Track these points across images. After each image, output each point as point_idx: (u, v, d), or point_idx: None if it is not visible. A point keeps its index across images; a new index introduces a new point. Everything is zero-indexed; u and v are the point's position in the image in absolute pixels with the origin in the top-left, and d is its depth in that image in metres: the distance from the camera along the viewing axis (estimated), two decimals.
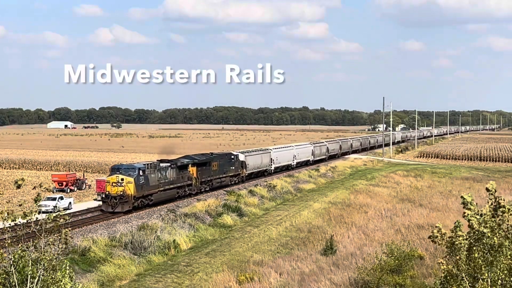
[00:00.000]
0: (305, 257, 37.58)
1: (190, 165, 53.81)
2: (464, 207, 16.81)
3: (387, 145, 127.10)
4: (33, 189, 66.42)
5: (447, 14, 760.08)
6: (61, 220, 17.89)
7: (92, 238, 36.99)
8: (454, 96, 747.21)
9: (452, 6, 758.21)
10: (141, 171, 46.11)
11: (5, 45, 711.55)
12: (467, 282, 16.33)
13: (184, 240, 41.17)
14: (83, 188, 65.74)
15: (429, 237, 17.58)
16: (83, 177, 69.75)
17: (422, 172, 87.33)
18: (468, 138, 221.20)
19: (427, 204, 59.36)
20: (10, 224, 17.63)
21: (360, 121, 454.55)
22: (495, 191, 16.76)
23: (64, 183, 63.36)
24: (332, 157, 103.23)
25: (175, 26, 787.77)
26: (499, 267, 16.19)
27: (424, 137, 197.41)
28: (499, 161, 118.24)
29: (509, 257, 16.20)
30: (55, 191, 63.20)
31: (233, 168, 62.80)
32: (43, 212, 47.58)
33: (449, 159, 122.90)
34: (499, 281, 16.26)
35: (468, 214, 16.48)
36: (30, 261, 16.25)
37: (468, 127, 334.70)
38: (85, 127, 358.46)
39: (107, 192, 45.42)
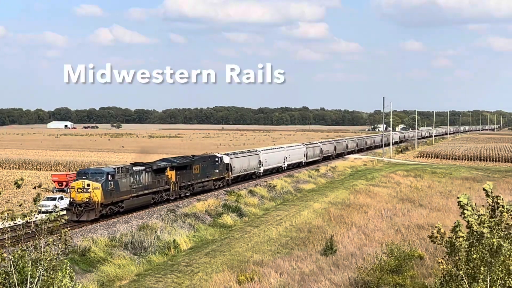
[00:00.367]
0: (305, 257, 37.58)
1: (168, 169, 50.58)
2: (460, 209, 16.84)
3: (386, 145, 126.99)
4: (33, 188, 66.48)
5: (447, 14, 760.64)
6: (62, 220, 17.91)
7: (92, 238, 36.99)
8: (454, 96, 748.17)
9: (452, 6, 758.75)
10: (109, 176, 42.31)
11: (5, 45, 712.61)
12: (466, 282, 16.34)
13: (184, 240, 41.18)
14: None
15: (429, 237, 17.61)
16: None
17: (422, 172, 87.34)
18: (468, 138, 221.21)
19: (427, 204, 59.36)
20: (10, 224, 17.64)
21: (360, 121, 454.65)
22: (492, 192, 16.78)
23: (64, 183, 63.37)
24: (326, 158, 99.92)
25: (175, 26, 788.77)
26: (498, 267, 16.22)
27: (423, 138, 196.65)
28: (499, 161, 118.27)
29: (508, 257, 16.21)
30: (55, 191, 63.25)
31: (217, 171, 59.46)
32: (43, 212, 47.62)
33: (449, 159, 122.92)
34: (498, 281, 16.28)
35: (467, 215, 16.49)
36: (30, 261, 16.27)
37: (467, 127, 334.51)
38: (85, 127, 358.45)
39: (71, 199, 41.87)
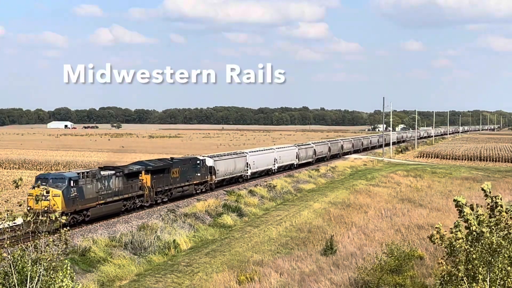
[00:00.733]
0: (305, 257, 37.60)
1: (142, 173, 46.90)
2: (457, 208, 16.85)
3: (385, 145, 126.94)
4: (32, 188, 66.43)
5: (447, 14, 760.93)
6: (62, 220, 17.89)
7: (92, 238, 37.04)
8: (454, 96, 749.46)
9: (451, 6, 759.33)
10: (72, 182, 38.56)
11: (5, 45, 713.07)
12: (466, 283, 16.35)
13: (184, 240, 41.19)
14: None
15: (429, 238, 17.62)
16: None
17: (422, 172, 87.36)
18: (468, 138, 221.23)
19: (427, 204, 59.36)
20: (9, 224, 17.63)
21: (360, 121, 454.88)
22: (490, 191, 16.79)
23: None
24: (320, 160, 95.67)
25: (175, 26, 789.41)
26: (497, 267, 16.23)
27: (422, 138, 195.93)
28: (499, 161, 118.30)
29: (507, 257, 16.23)
30: None
31: (199, 175, 55.43)
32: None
33: (449, 159, 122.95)
34: (498, 281, 16.28)
35: (466, 213, 16.51)
36: (30, 261, 16.27)
37: (467, 127, 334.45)
38: (85, 127, 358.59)
39: (28, 208, 36.97)
